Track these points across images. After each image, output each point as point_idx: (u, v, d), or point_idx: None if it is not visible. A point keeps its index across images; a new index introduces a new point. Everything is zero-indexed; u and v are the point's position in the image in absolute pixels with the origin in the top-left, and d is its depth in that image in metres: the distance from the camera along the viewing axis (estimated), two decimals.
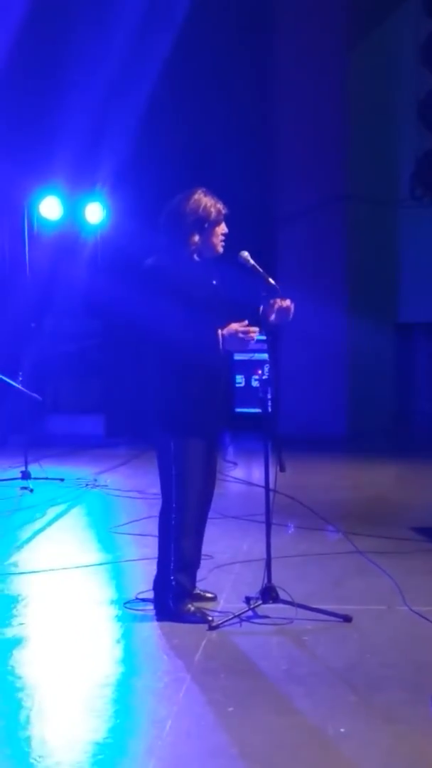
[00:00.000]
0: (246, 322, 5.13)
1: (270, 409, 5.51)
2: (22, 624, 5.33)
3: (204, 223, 5.27)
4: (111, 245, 13.09)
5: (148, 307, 5.17)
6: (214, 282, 5.32)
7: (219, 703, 4.14)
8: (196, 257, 5.32)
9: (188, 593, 5.32)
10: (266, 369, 5.56)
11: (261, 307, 5.29)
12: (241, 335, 5.07)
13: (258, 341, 5.23)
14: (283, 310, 5.27)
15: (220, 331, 5.09)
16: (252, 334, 5.11)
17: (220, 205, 5.32)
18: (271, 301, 5.24)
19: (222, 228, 5.35)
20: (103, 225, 13.19)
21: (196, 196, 5.30)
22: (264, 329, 5.35)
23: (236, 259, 5.32)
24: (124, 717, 4.04)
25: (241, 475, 10.11)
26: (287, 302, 5.27)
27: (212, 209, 5.29)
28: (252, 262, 5.29)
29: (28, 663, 4.76)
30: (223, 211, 5.33)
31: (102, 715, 4.06)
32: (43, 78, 12.23)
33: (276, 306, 5.26)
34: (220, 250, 5.36)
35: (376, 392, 14.20)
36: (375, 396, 14.12)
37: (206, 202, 5.29)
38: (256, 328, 5.15)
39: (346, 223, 13.79)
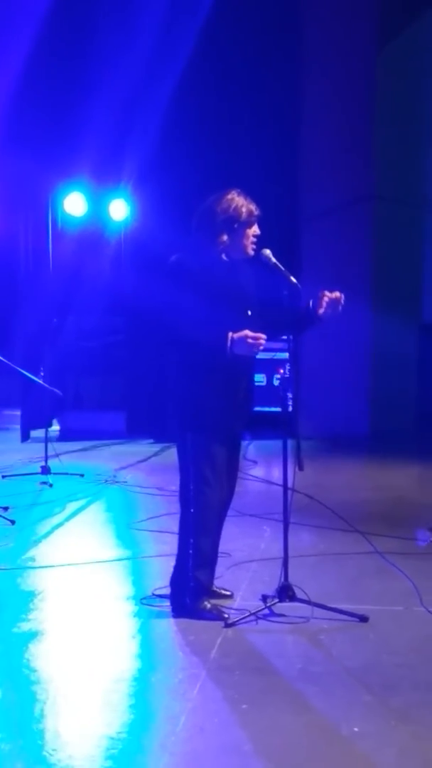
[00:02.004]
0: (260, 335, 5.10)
1: (291, 408, 5.50)
2: (38, 618, 5.34)
3: (234, 223, 5.26)
4: (135, 242, 13.10)
5: (168, 303, 5.17)
6: (245, 283, 5.31)
7: (233, 701, 4.13)
8: (224, 257, 5.31)
9: (206, 591, 5.32)
10: (287, 368, 5.53)
11: (311, 302, 5.29)
12: (250, 341, 5.04)
13: (280, 340, 5.20)
14: (334, 302, 5.30)
15: (230, 334, 5.06)
16: (261, 341, 5.08)
17: (252, 207, 5.31)
18: (320, 293, 5.24)
19: (253, 230, 5.33)
20: (128, 222, 13.20)
21: (229, 196, 5.29)
22: (315, 326, 5.36)
23: (258, 257, 5.32)
24: (138, 712, 4.04)
25: (261, 473, 10.10)
26: (336, 293, 5.29)
27: (244, 210, 5.27)
28: (274, 260, 5.28)
29: (44, 657, 4.76)
30: (255, 213, 5.31)
31: (116, 709, 4.06)
32: (69, 73, 12.24)
33: (326, 299, 5.27)
34: (250, 252, 5.34)
35: (400, 392, 14.15)
36: (398, 396, 14.07)
37: (238, 202, 5.28)
38: (264, 336, 5.12)
39: (371, 222, 13.75)
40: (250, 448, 11.33)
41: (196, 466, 5.22)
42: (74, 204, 12.84)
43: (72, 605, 5.61)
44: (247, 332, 5.05)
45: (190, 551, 5.25)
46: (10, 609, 5.48)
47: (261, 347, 5.08)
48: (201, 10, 12.17)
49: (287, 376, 5.39)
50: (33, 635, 5.03)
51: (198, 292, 5.10)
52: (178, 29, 12.14)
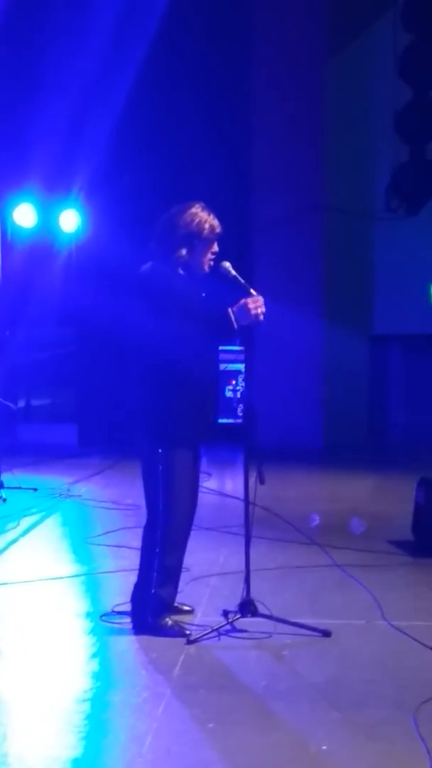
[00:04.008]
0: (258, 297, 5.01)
1: (247, 421, 5.45)
2: None
3: (195, 239, 5.16)
4: (86, 253, 13.01)
5: (143, 314, 5.08)
6: (204, 295, 5.24)
7: (199, 719, 4.07)
8: (181, 271, 5.21)
9: (168, 607, 5.25)
10: (241, 379, 5.47)
11: (230, 310, 5.15)
12: (251, 306, 4.95)
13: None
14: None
15: (230, 309, 4.95)
16: (260, 304, 4.97)
17: (215, 223, 5.20)
18: (242, 301, 5.00)
19: (213, 247, 5.25)
20: (79, 233, 13.10)
21: (192, 210, 5.19)
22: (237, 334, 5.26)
23: (217, 270, 5.25)
24: (102, 733, 3.97)
25: (215, 486, 10.04)
26: (259, 301, 5.04)
27: (206, 225, 5.17)
28: (234, 272, 5.22)
29: (2, 678, 4.67)
30: (217, 230, 5.21)
31: (80, 731, 3.98)
32: (18, 81, 12.14)
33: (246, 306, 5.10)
34: (207, 269, 5.25)
35: (351, 404, 14.17)
36: (350, 408, 14.09)
37: (202, 217, 5.18)
38: (262, 298, 5.00)
39: (322, 234, 13.77)
40: (203, 459, 11.26)
41: (166, 482, 5.13)
42: (24, 215, 12.70)
43: (29, 623, 5.51)
44: (247, 300, 4.97)
45: (155, 568, 5.16)
46: None
47: (263, 309, 4.99)
48: (151, 19, 12.13)
49: (240, 387, 5.32)
50: None
51: (174, 302, 5.01)
52: (127, 38, 12.08)
